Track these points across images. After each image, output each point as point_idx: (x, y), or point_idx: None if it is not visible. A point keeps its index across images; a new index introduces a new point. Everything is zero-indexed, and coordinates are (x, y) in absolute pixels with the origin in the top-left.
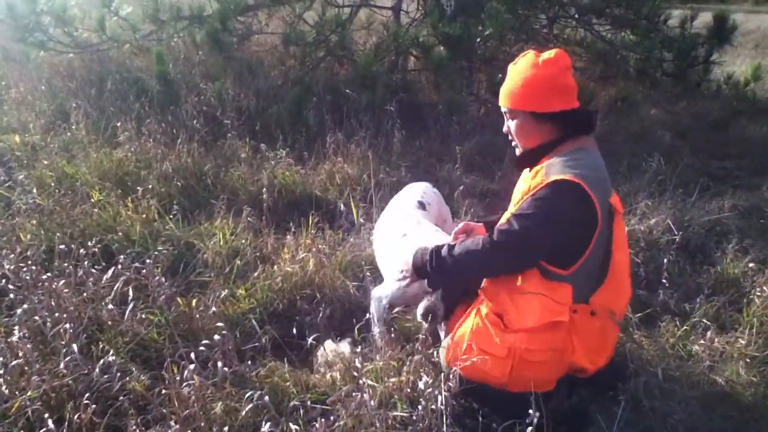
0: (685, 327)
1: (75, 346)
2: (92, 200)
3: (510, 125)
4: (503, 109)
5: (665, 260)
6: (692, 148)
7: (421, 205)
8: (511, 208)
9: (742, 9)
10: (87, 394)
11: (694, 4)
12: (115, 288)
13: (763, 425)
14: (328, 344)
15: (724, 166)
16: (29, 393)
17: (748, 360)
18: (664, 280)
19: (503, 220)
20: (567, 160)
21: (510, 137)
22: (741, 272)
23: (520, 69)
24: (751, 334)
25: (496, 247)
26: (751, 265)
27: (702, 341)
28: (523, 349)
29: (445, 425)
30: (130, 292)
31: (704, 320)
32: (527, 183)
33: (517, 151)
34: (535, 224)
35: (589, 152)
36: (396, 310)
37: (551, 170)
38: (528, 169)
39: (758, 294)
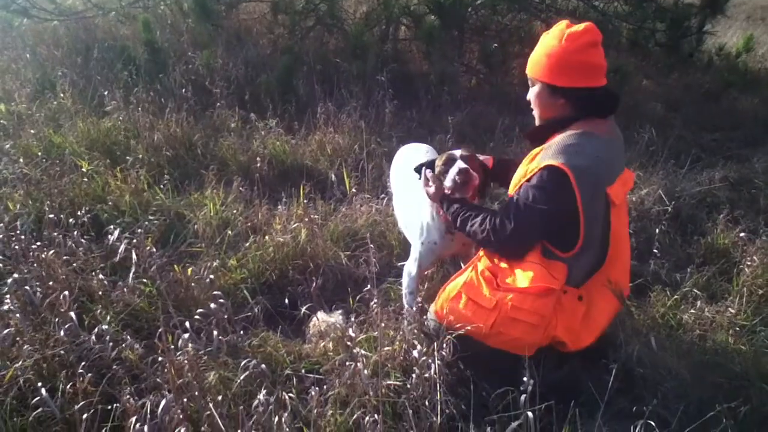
0: (675, 297)
1: (72, 315)
2: (82, 170)
3: (531, 92)
4: (528, 77)
5: (656, 230)
6: (684, 120)
7: None
8: (513, 185)
9: None
10: (83, 363)
11: None
12: (106, 257)
13: (752, 393)
14: (321, 315)
15: (715, 138)
16: (21, 362)
17: (737, 329)
18: (655, 251)
19: (511, 191)
20: (566, 145)
21: (531, 105)
22: (731, 242)
23: (547, 39)
24: (741, 303)
25: (494, 233)
26: (741, 235)
27: (692, 311)
28: (511, 306)
29: (439, 393)
30: (134, 255)
31: (695, 290)
32: (526, 165)
33: (536, 122)
34: (528, 214)
35: (596, 138)
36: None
37: (547, 153)
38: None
39: (748, 264)
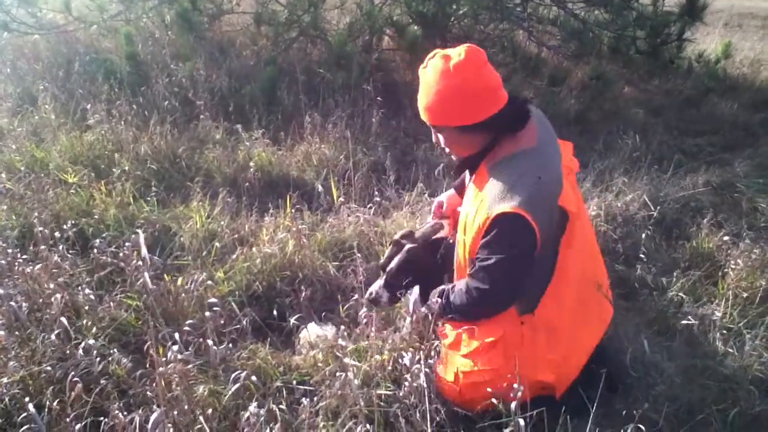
0: (663, 301)
1: (56, 332)
2: (66, 184)
3: (439, 139)
4: (427, 123)
5: (642, 236)
6: (665, 125)
7: None
8: (463, 229)
9: None
10: (70, 377)
11: None
12: (92, 272)
13: (740, 395)
14: (312, 327)
15: (697, 143)
16: (7, 378)
17: (724, 332)
18: (641, 255)
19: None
20: (504, 182)
21: (441, 147)
22: (715, 246)
23: (431, 81)
24: (727, 306)
25: (483, 300)
26: (725, 238)
27: (680, 314)
28: (463, 374)
29: (427, 401)
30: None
31: (681, 294)
32: (474, 213)
33: (454, 157)
34: (504, 276)
35: (526, 154)
36: None
37: (493, 200)
38: (471, 175)
39: (732, 267)
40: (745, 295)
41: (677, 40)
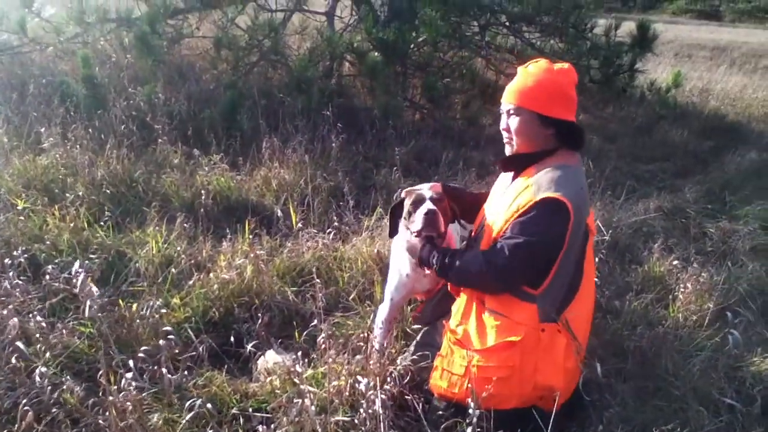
0: (617, 324)
1: (7, 359)
2: (18, 208)
3: (511, 123)
4: (507, 107)
5: (596, 260)
6: (619, 152)
7: None
8: (495, 219)
9: (662, 19)
10: (20, 407)
11: (617, 13)
12: (44, 298)
13: (690, 415)
14: (270, 354)
15: (649, 169)
16: None
17: (674, 354)
18: (596, 279)
19: (493, 227)
20: (555, 177)
21: (507, 135)
22: (666, 270)
23: (533, 72)
24: (677, 328)
25: (494, 274)
26: (675, 262)
27: (633, 337)
28: (477, 368)
29: (383, 427)
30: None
31: (634, 317)
32: (514, 197)
33: (507, 150)
34: (523, 258)
35: (574, 169)
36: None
37: (540, 186)
38: (512, 174)
39: (682, 290)
40: (694, 318)
41: (629, 69)
